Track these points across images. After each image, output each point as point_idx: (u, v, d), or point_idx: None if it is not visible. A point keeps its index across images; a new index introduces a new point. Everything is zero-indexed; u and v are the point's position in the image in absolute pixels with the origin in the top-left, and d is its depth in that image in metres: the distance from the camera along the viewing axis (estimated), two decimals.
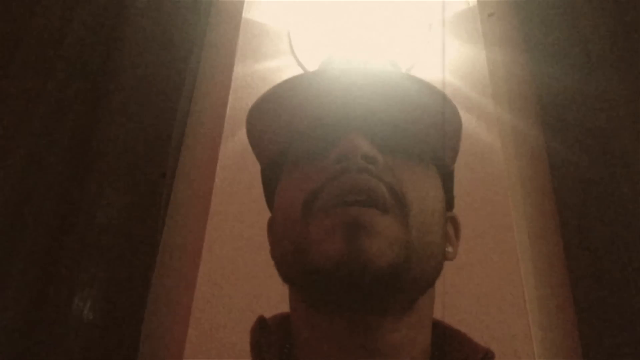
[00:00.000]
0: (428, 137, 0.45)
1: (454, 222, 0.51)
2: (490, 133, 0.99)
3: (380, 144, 0.42)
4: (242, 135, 1.02)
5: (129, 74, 1.02)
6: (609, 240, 0.83)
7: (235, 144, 1.01)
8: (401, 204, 0.39)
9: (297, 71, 1.11)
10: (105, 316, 0.78)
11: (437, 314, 0.48)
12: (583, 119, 0.94)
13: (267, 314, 0.48)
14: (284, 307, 0.47)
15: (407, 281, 0.38)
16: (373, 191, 0.38)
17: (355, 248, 0.36)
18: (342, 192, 0.38)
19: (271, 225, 0.50)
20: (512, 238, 0.90)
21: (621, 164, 0.88)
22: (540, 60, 1.03)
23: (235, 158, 0.99)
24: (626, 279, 0.81)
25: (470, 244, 0.88)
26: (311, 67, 1.09)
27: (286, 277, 0.44)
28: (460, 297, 0.83)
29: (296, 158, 0.45)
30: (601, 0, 1.04)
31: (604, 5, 1.03)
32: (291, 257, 0.41)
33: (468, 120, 1.00)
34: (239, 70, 1.10)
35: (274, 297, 0.77)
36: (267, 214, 0.52)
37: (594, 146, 0.91)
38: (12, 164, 0.86)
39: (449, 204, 0.50)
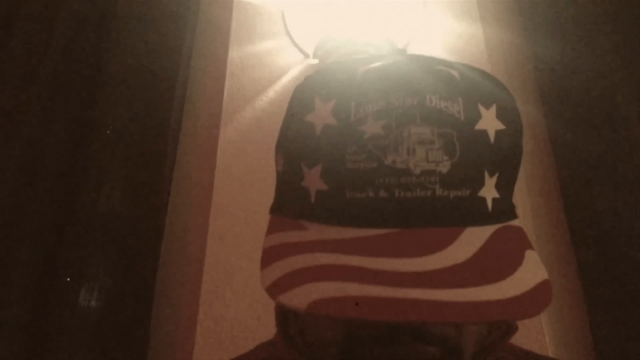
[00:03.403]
0: None
1: None
2: None
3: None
4: (240, 118, 1.02)
5: (122, 61, 1.02)
6: (614, 216, 0.83)
7: (234, 128, 1.01)
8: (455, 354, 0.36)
9: (293, 52, 1.09)
10: (112, 306, 0.78)
11: None
12: (581, 94, 0.94)
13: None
14: None
15: None
16: None
17: None
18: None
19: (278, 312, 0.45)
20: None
21: (622, 138, 0.88)
22: (538, 36, 1.02)
23: (235, 141, 0.99)
24: (633, 258, 0.81)
25: None
26: (307, 47, 1.08)
27: None
28: None
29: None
30: None
31: None
32: None
33: None
34: (234, 53, 1.09)
35: None
36: (270, 199, 0.50)
37: (593, 120, 0.91)
38: (12, 155, 0.86)
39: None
